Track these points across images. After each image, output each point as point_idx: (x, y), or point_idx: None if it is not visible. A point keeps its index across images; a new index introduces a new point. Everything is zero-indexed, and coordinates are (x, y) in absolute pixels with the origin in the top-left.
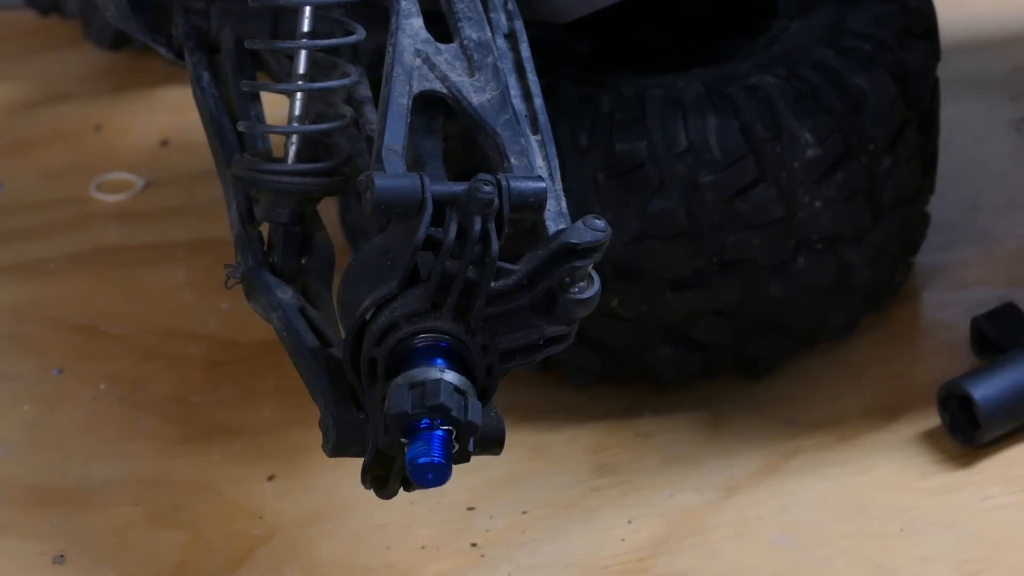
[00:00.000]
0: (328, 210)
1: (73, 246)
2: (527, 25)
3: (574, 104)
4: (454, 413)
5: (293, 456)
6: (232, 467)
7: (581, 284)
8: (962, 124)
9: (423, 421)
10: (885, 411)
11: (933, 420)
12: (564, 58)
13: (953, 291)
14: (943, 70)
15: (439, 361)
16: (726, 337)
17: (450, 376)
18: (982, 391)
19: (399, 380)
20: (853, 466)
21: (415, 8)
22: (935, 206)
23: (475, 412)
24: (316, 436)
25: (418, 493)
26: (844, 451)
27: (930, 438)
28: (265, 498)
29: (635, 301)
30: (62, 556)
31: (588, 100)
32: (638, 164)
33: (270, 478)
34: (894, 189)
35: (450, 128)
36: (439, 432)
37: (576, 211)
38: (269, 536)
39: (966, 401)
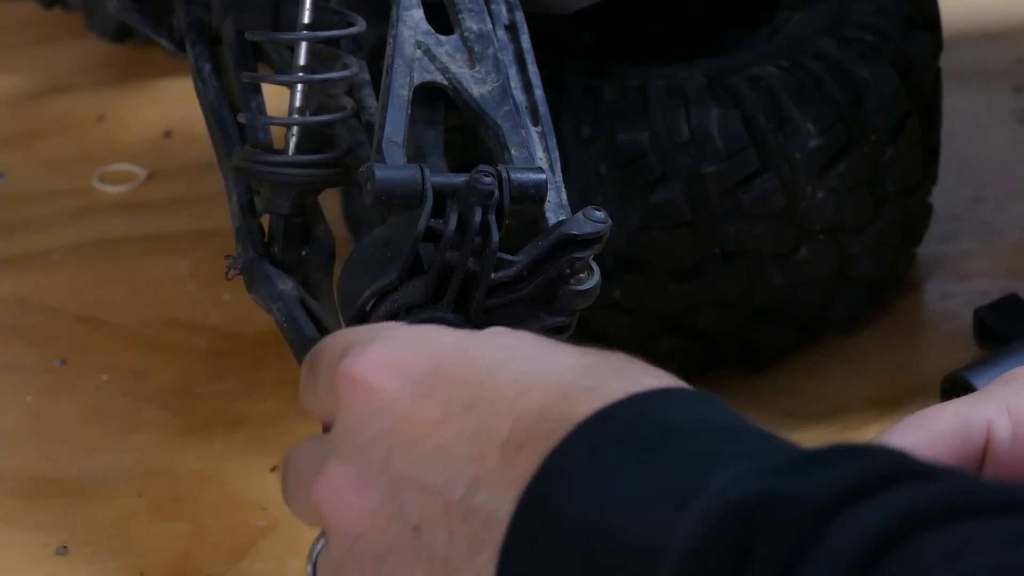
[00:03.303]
0: (330, 202)
1: (76, 237)
2: (530, 17)
3: (576, 95)
4: None
5: None
6: (235, 458)
7: (581, 275)
8: (965, 115)
9: None
10: (888, 402)
11: None
12: (567, 49)
13: (956, 282)
14: (945, 61)
15: None
16: (728, 328)
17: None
18: (985, 382)
19: None
20: None
21: (416, 0)
22: (937, 197)
23: None
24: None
25: None
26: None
27: None
28: (268, 489)
29: (637, 292)
30: (65, 547)
31: (591, 91)
32: (640, 155)
33: (273, 469)
34: (896, 180)
35: (451, 120)
36: None
37: (579, 202)
38: (272, 527)
39: (969, 392)
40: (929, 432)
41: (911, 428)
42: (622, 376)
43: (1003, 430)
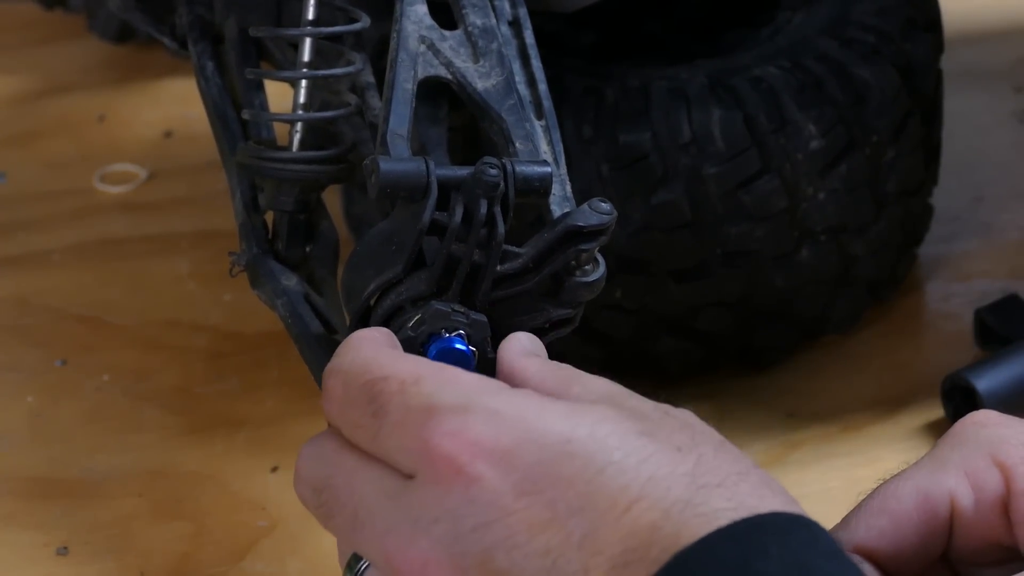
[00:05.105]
0: (333, 198)
1: (76, 237)
2: (531, 16)
3: (578, 95)
4: (453, 317)
5: (296, 447)
6: (235, 458)
7: (587, 267)
8: (965, 116)
9: (430, 348)
10: (889, 402)
11: (937, 411)
12: (568, 49)
13: (956, 283)
14: (946, 61)
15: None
16: (729, 329)
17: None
18: (985, 383)
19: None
20: (857, 457)
21: None
22: (938, 198)
23: (478, 314)
24: (320, 427)
25: None
26: (848, 443)
27: (934, 429)
28: (268, 489)
29: (638, 293)
30: (65, 548)
31: (592, 91)
32: (642, 156)
33: (274, 469)
34: (897, 181)
35: (454, 120)
36: (454, 338)
37: (580, 202)
38: (272, 527)
39: (970, 393)
40: (893, 516)
41: (874, 514)
42: (724, 492)
43: (966, 498)
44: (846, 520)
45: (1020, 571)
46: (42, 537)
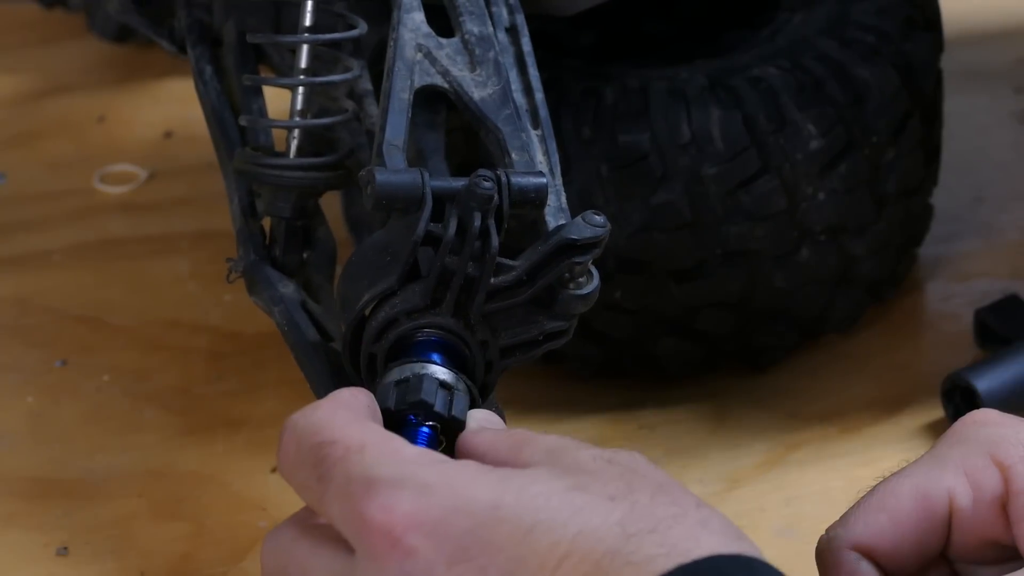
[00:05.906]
0: (331, 204)
1: (76, 238)
2: (530, 19)
3: (578, 96)
4: (436, 409)
5: None
6: (235, 459)
7: (580, 279)
8: (965, 116)
9: (411, 417)
10: (889, 403)
11: (937, 412)
12: (567, 50)
13: (956, 283)
14: (946, 61)
15: (436, 356)
16: (729, 329)
17: (437, 371)
18: (986, 383)
19: (387, 377)
20: (857, 458)
21: (417, 2)
22: (938, 198)
23: (460, 408)
24: None
25: None
26: (848, 443)
27: (934, 430)
28: (268, 490)
29: (638, 293)
30: (65, 548)
31: (592, 92)
32: (641, 156)
33: (274, 470)
34: (897, 181)
35: (452, 121)
36: (424, 429)
37: (580, 204)
38: (272, 527)
39: (970, 393)
40: (891, 514)
41: (872, 512)
42: (656, 538)
43: (964, 498)
44: (844, 517)
45: (1018, 570)
46: (42, 537)
